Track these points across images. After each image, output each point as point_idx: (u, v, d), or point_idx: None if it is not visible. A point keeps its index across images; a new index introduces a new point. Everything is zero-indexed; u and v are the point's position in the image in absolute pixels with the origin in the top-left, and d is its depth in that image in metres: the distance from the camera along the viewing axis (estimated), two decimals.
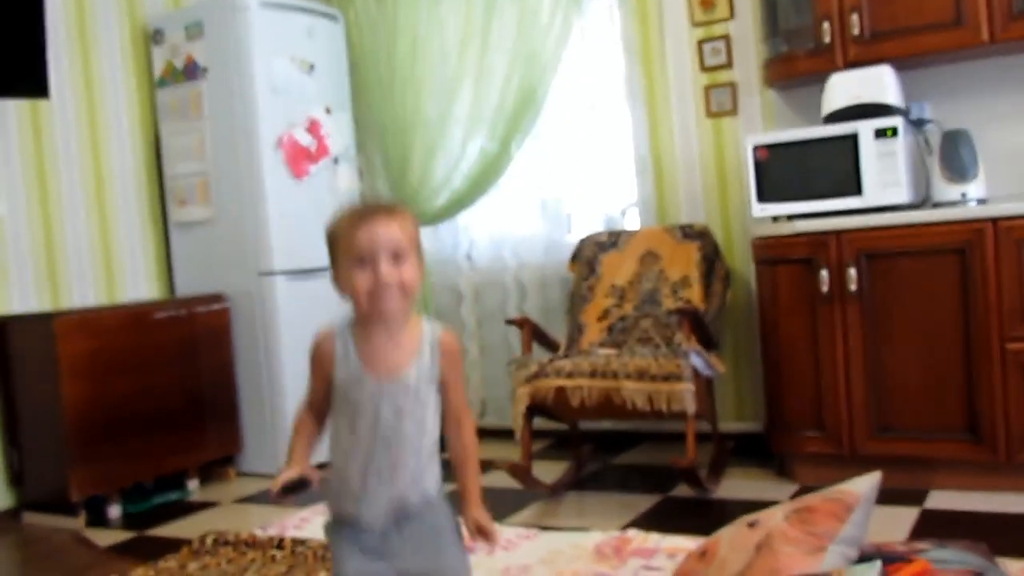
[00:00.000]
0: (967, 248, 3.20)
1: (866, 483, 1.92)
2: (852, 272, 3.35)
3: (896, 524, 2.96)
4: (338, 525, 1.74)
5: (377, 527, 1.69)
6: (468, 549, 1.77)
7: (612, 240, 4.24)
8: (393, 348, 1.67)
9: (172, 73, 4.61)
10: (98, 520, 3.92)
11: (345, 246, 1.64)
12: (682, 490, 3.62)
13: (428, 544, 1.70)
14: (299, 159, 4.56)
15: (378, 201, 1.70)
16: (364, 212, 1.67)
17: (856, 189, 3.45)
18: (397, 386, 1.65)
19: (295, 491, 1.66)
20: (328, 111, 4.74)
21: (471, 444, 1.74)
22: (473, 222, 4.92)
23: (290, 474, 1.66)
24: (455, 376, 1.71)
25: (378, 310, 1.63)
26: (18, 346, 3.98)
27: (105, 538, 3.67)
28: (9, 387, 4.00)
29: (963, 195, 3.41)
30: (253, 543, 2.55)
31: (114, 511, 3.99)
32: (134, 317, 4.12)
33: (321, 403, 1.73)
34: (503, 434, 4.35)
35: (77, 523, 3.85)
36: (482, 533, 1.68)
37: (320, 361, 1.71)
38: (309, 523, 2.90)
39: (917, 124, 3.67)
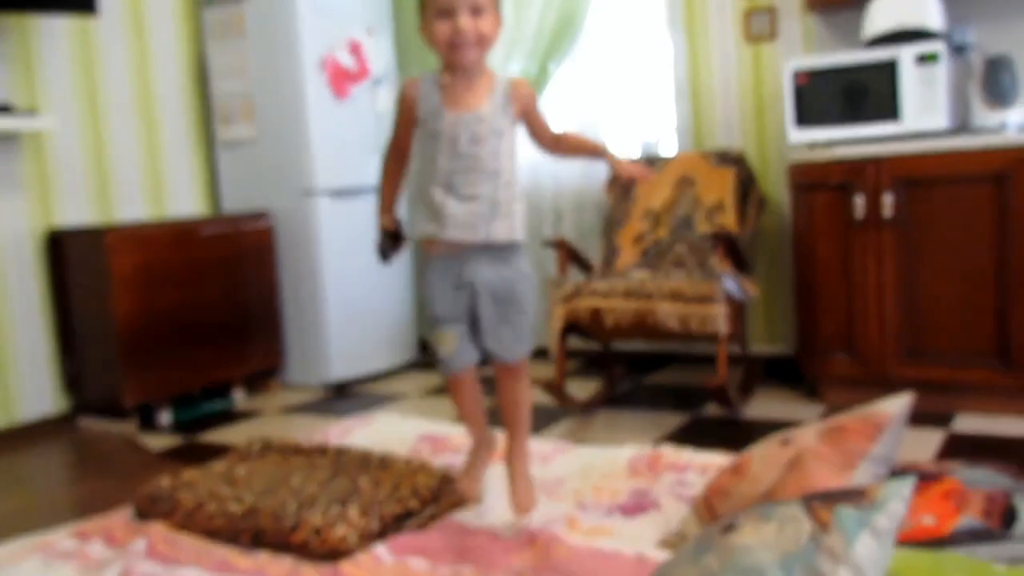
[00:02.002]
0: (1005, 176, 3.11)
1: (898, 404, 1.89)
2: (888, 198, 3.28)
3: (923, 446, 2.94)
4: (427, 259, 1.93)
5: (455, 247, 1.86)
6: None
7: (648, 164, 4.18)
8: (469, 89, 1.85)
9: None
10: (149, 425, 3.99)
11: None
12: (711, 409, 3.61)
13: (499, 302, 1.88)
14: (341, 80, 4.51)
15: None
16: None
17: (895, 114, 3.36)
18: (472, 116, 1.81)
19: (395, 246, 1.96)
20: (369, 32, 4.67)
21: (572, 132, 1.99)
22: None
23: (385, 223, 1.96)
24: (532, 109, 1.89)
25: (456, 57, 1.79)
26: (72, 258, 4.01)
27: (155, 442, 3.74)
28: (64, 297, 4.05)
29: (1003, 122, 3.31)
30: (298, 450, 2.57)
31: (164, 418, 4.06)
32: (182, 233, 4.13)
33: (404, 144, 1.93)
34: (538, 353, 4.35)
35: (129, 428, 3.92)
36: (614, 161, 1.91)
37: (405, 103, 1.90)
38: (351, 433, 2.93)
39: (959, 49, 3.55)
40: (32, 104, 4.00)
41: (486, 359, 2.01)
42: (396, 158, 1.97)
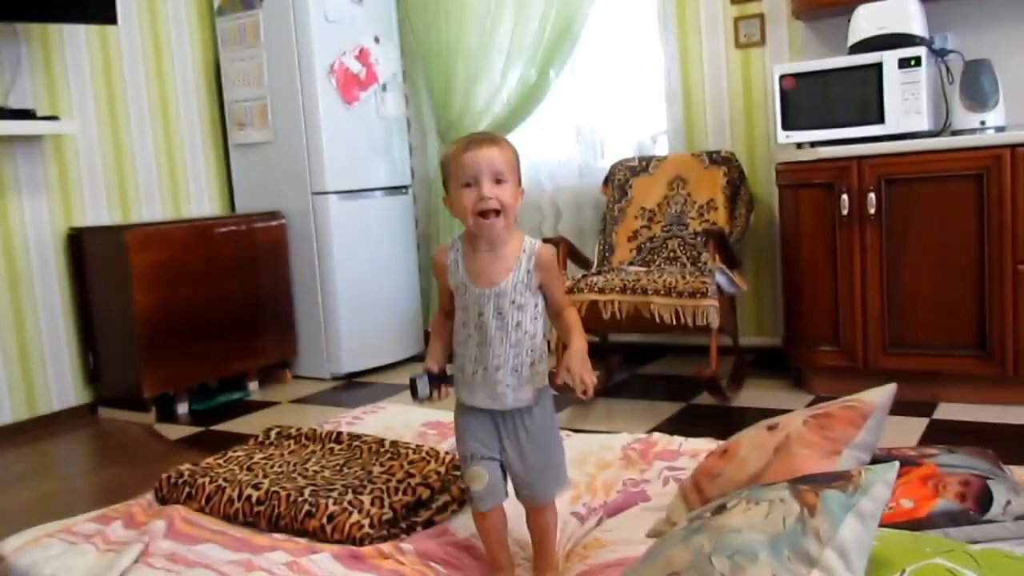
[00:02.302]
0: (985, 174, 3.11)
1: (882, 393, 1.88)
2: (872, 197, 3.28)
3: (907, 433, 2.94)
4: (462, 409, 1.85)
5: (486, 414, 1.80)
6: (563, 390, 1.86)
7: (643, 165, 4.18)
8: (493, 261, 1.76)
9: (230, 2, 4.56)
10: (167, 416, 4.00)
11: (454, 169, 1.73)
12: (704, 398, 3.61)
13: (524, 440, 1.79)
14: (349, 86, 4.51)
15: (482, 132, 1.79)
16: (470, 140, 1.74)
17: (879, 117, 3.36)
18: (495, 291, 1.75)
19: (438, 384, 1.83)
20: (377, 40, 4.67)
21: (572, 319, 1.82)
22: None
23: (430, 366, 1.84)
24: (551, 280, 1.80)
25: (482, 228, 1.72)
26: (92, 256, 4.02)
27: (174, 432, 3.75)
28: (85, 294, 4.05)
29: (982, 123, 3.30)
30: (313, 437, 2.57)
31: (182, 408, 4.07)
32: (198, 231, 4.13)
33: (448, 306, 1.85)
34: None
35: (148, 418, 3.93)
36: (577, 379, 1.72)
37: (438, 270, 1.83)
38: (363, 420, 2.93)
39: (940, 54, 3.54)
40: (55, 109, 4.00)
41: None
42: (444, 317, 1.89)
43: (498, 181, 1.71)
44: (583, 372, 1.72)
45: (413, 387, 1.83)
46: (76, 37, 4.11)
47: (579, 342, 1.77)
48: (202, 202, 4.67)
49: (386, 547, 1.91)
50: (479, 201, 1.69)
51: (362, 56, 4.58)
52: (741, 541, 1.12)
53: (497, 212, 1.71)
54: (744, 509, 1.19)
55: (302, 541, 1.97)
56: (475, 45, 4.61)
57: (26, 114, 3.76)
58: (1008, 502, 1.64)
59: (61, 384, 4.03)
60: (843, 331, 3.41)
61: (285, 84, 4.44)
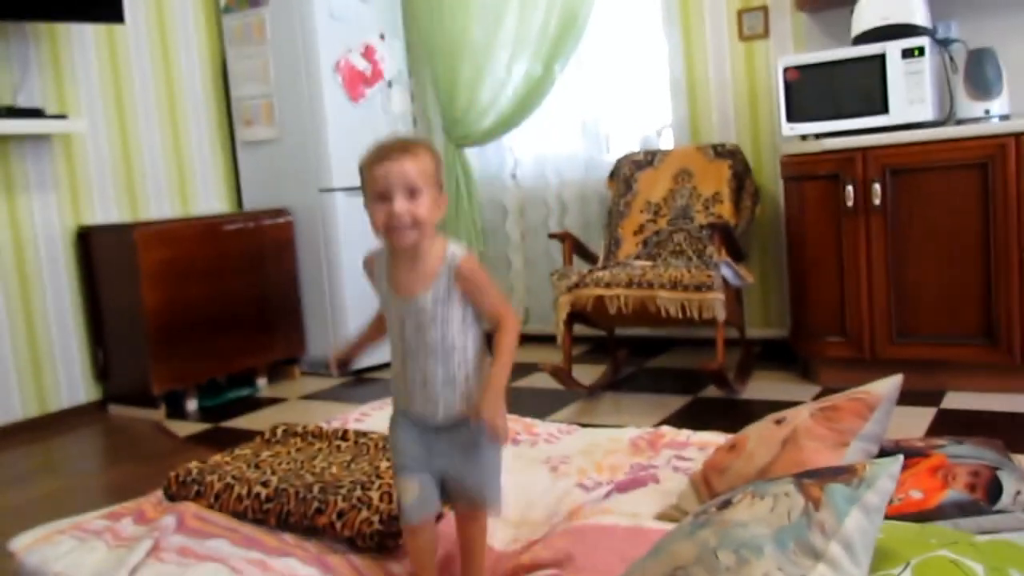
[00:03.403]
0: (989, 162, 3.09)
1: (888, 384, 1.87)
2: (877, 187, 3.25)
3: (914, 423, 2.92)
4: (396, 417, 1.77)
5: (423, 425, 1.71)
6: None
7: (648, 159, 4.16)
8: (412, 272, 1.67)
9: (237, 1, 4.55)
10: (176, 412, 4.00)
11: (367, 182, 1.64)
12: (711, 391, 3.60)
13: (459, 454, 1.70)
14: (355, 83, 4.50)
15: (397, 139, 1.66)
16: (381, 150, 1.64)
17: (883, 108, 3.33)
18: (414, 305, 1.66)
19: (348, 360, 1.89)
20: (382, 37, 4.65)
21: (503, 339, 1.66)
22: (518, 142, 4.85)
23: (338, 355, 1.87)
24: (475, 289, 1.67)
25: (393, 240, 1.63)
26: (101, 254, 4.02)
27: (183, 428, 3.75)
28: (94, 291, 4.06)
29: (986, 112, 3.27)
30: (319, 434, 2.56)
31: (191, 404, 4.06)
32: (206, 228, 4.13)
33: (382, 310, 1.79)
34: (546, 339, 4.35)
35: (158, 415, 3.93)
36: (488, 427, 1.61)
37: (369, 276, 1.76)
38: (370, 417, 2.92)
39: (943, 43, 3.51)
40: (63, 108, 4.00)
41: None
42: (380, 318, 1.81)
43: (412, 194, 1.60)
44: (494, 418, 1.61)
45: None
46: (84, 36, 4.11)
47: (500, 374, 1.64)
48: (210, 199, 4.67)
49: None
50: (390, 217, 1.60)
51: (368, 53, 4.56)
52: (746, 535, 1.11)
53: (412, 226, 1.60)
54: (749, 503, 1.17)
55: (312, 548, 1.96)
56: (480, 40, 4.59)
57: (35, 113, 3.76)
58: (1018, 492, 1.62)
59: (71, 381, 4.04)
60: (849, 322, 3.39)
61: (291, 81, 4.43)
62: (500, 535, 1.97)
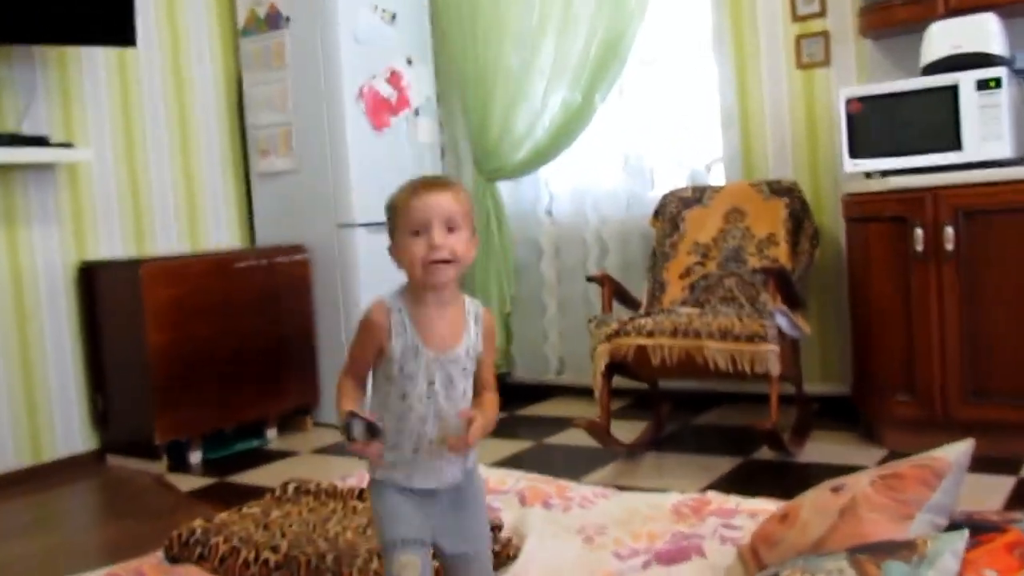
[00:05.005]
0: None
1: (958, 450, 1.86)
2: (949, 231, 3.24)
3: (990, 493, 2.88)
4: (389, 489, 1.74)
5: (422, 492, 1.73)
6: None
7: (696, 196, 4.17)
8: (444, 320, 1.71)
9: (255, 22, 4.65)
10: (179, 465, 4.02)
11: (402, 216, 1.68)
12: (763, 453, 3.57)
13: (460, 509, 1.75)
14: (380, 110, 4.57)
15: (434, 175, 1.73)
16: (420, 184, 1.71)
17: (955, 144, 3.33)
18: (448, 357, 1.69)
19: (370, 435, 1.64)
20: (409, 62, 4.73)
21: (495, 400, 1.76)
22: (554, 176, 4.89)
23: (357, 414, 1.65)
24: (489, 346, 1.75)
25: (431, 279, 1.67)
26: (104, 291, 4.08)
27: (186, 483, 3.77)
28: (95, 332, 4.12)
29: None
30: (334, 493, 2.58)
31: (195, 456, 4.09)
32: (217, 265, 4.19)
33: (364, 373, 1.76)
34: (582, 392, 4.35)
35: (159, 467, 3.96)
36: (472, 435, 1.65)
37: (372, 333, 1.71)
38: None
39: (1022, 74, 3.51)
40: (70, 135, 4.10)
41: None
42: (354, 383, 1.75)
43: (451, 229, 1.65)
44: (469, 443, 1.66)
45: (348, 428, 1.64)
46: (94, 60, 4.21)
47: (492, 418, 1.73)
48: (221, 234, 4.74)
49: None
50: (430, 250, 1.63)
51: (393, 79, 4.64)
52: None
53: (448, 262, 1.65)
54: None
55: None
56: (515, 66, 4.65)
57: (39, 141, 3.85)
58: None
59: (67, 428, 4.09)
60: (918, 378, 3.36)
61: (311, 108, 4.51)
62: None
